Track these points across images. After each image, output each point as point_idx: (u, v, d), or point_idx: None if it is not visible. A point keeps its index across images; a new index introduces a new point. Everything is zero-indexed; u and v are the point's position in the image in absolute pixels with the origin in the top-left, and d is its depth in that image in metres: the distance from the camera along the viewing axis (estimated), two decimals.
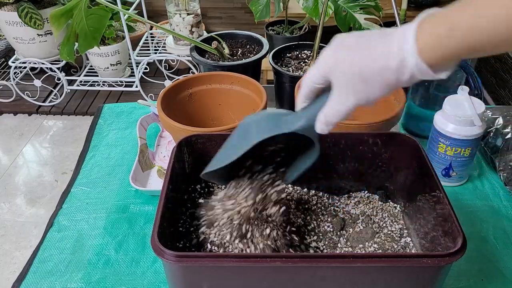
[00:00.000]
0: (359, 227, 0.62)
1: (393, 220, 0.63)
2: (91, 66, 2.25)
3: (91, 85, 2.24)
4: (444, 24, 0.37)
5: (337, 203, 0.67)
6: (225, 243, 0.55)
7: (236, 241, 0.54)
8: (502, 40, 0.35)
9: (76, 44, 0.98)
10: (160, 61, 2.28)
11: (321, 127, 0.47)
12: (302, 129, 0.49)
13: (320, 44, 0.91)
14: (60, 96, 2.20)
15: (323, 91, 0.47)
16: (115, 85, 2.22)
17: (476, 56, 0.38)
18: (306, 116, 0.49)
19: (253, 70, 0.93)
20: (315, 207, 0.66)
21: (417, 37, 0.38)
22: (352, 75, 0.42)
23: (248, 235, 0.55)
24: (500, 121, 0.82)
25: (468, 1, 0.36)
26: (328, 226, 0.62)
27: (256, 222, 0.56)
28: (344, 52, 0.43)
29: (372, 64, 0.41)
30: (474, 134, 0.71)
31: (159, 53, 2.17)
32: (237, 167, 0.56)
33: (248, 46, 1.01)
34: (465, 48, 0.37)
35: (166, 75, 2.21)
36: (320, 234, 0.61)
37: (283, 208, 0.57)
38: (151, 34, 2.36)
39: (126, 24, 1.91)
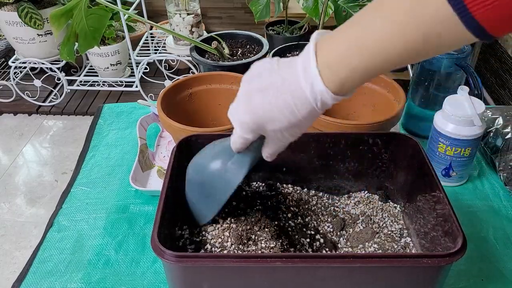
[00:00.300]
0: (359, 227, 0.62)
1: (393, 220, 0.63)
2: (91, 66, 2.25)
3: (91, 85, 2.24)
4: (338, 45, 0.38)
5: (337, 203, 0.67)
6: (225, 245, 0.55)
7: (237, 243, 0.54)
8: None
9: (76, 44, 0.98)
10: (160, 61, 2.28)
11: (269, 160, 0.51)
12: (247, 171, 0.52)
13: None
14: (60, 96, 2.20)
15: None
16: (115, 85, 2.22)
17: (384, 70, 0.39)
18: (249, 162, 0.51)
19: None
20: (315, 207, 0.66)
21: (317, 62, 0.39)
22: (281, 129, 0.43)
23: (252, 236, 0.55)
24: (500, 121, 0.82)
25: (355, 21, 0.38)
26: (328, 226, 0.62)
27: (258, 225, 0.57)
28: (259, 100, 0.42)
29: (295, 111, 0.41)
30: (474, 134, 0.71)
31: (159, 53, 2.17)
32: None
33: (248, 46, 1.01)
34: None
35: (166, 75, 2.21)
36: (320, 234, 0.61)
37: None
38: (151, 34, 2.36)
39: (126, 24, 1.91)
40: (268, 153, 0.49)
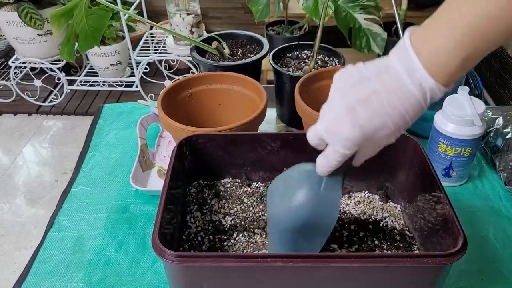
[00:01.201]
0: (360, 227, 0.62)
1: (394, 220, 0.63)
2: (91, 66, 2.25)
3: (91, 85, 2.24)
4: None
5: None
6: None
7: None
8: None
9: (76, 44, 0.98)
10: (160, 61, 2.28)
11: (358, 165, 0.49)
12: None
13: (320, 44, 0.91)
14: (60, 96, 2.20)
15: None
16: (115, 85, 2.22)
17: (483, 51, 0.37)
18: (342, 179, 0.49)
19: (253, 70, 0.93)
20: None
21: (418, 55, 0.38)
22: (388, 135, 0.42)
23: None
24: (500, 121, 0.82)
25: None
26: None
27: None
28: (364, 112, 0.41)
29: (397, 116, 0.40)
30: (474, 134, 0.71)
31: (159, 53, 2.17)
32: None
33: (248, 46, 1.01)
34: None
35: (166, 75, 2.21)
36: None
37: None
38: (151, 34, 2.36)
39: (126, 24, 1.91)
40: (363, 159, 0.47)
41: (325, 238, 0.50)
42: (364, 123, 0.41)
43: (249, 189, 0.68)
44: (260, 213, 0.63)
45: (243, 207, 0.64)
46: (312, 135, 0.45)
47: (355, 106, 0.41)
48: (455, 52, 0.36)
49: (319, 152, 0.46)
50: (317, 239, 0.50)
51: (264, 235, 0.60)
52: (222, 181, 0.69)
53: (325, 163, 0.46)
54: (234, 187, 0.68)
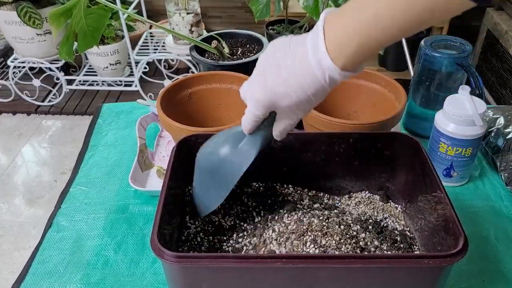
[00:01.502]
0: (360, 227, 0.62)
1: (394, 221, 0.63)
2: (90, 65, 2.24)
3: (90, 85, 2.24)
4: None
5: (337, 203, 0.67)
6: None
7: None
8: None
9: (75, 43, 0.98)
10: (159, 61, 2.28)
11: (279, 138, 0.52)
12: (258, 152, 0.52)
13: None
14: (59, 96, 2.20)
15: None
16: (114, 85, 2.22)
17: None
18: (260, 141, 0.52)
19: (253, 69, 0.92)
20: (315, 207, 0.65)
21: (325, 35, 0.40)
22: (291, 105, 0.45)
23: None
24: (501, 121, 0.82)
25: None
26: (328, 227, 0.62)
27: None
28: (272, 77, 0.44)
29: (303, 84, 0.42)
30: (475, 134, 0.70)
31: (159, 52, 2.17)
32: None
33: (248, 46, 1.00)
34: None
35: (166, 74, 2.21)
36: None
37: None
38: (150, 33, 2.36)
39: (126, 23, 1.91)
40: (278, 131, 0.50)
41: (229, 188, 0.54)
42: (270, 88, 0.44)
43: (249, 189, 0.67)
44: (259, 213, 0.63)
45: (243, 208, 0.64)
46: (241, 95, 0.50)
47: (266, 71, 0.45)
48: (352, 37, 0.39)
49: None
50: (223, 188, 0.55)
51: (264, 235, 0.59)
52: None
53: (244, 120, 0.50)
54: (233, 187, 0.68)
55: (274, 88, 0.44)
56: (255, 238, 0.59)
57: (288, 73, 0.43)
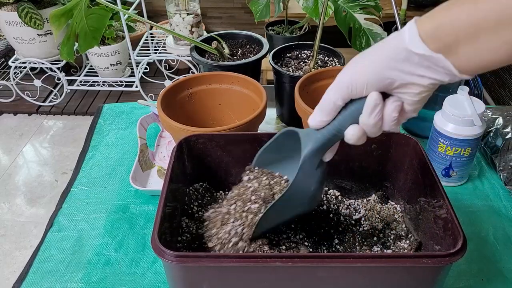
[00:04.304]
0: (359, 227, 0.62)
1: (393, 220, 0.63)
2: (91, 66, 2.25)
3: (91, 85, 2.24)
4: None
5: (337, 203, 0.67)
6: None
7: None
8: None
9: (76, 44, 0.98)
10: (160, 61, 2.28)
11: (351, 141, 0.46)
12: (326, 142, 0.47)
13: (320, 44, 0.91)
14: (60, 96, 2.20)
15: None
16: (115, 85, 2.22)
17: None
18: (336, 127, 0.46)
19: (253, 70, 0.93)
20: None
21: (417, 25, 0.39)
22: (372, 82, 0.41)
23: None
24: (500, 121, 0.82)
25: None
26: (328, 227, 0.62)
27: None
28: (359, 59, 0.42)
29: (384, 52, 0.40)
30: (474, 134, 0.71)
31: (159, 53, 2.17)
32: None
33: (248, 46, 1.01)
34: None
35: (166, 75, 2.21)
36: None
37: None
38: (151, 34, 2.36)
39: (126, 24, 1.91)
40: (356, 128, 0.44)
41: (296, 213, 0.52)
42: (355, 66, 0.42)
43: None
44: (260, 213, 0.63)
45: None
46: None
47: (357, 59, 0.42)
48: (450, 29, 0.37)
49: None
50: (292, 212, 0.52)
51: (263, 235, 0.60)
52: (222, 181, 0.69)
53: (318, 108, 0.45)
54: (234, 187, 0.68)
55: (359, 65, 0.41)
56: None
57: (374, 51, 0.41)
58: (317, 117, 0.45)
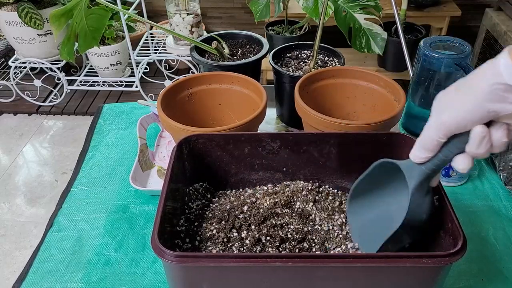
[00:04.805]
0: None
1: None
2: (91, 66, 2.25)
3: (91, 85, 2.24)
4: None
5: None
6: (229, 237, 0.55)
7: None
8: None
9: (76, 44, 0.98)
10: (160, 61, 2.28)
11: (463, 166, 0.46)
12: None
13: (320, 44, 0.91)
14: (60, 96, 2.20)
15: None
16: (115, 85, 2.22)
17: None
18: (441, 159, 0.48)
19: (253, 70, 0.93)
20: (314, 207, 0.65)
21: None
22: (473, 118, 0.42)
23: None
24: None
25: None
26: (328, 227, 0.62)
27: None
28: (455, 98, 0.43)
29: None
30: None
31: (159, 53, 2.17)
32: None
33: (248, 46, 1.01)
34: None
35: (166, 75, 2.21)
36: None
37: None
38: (151, 34, 2.36)
39: (126, 24, 1.91)
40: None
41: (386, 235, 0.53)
42: (457, 108, 0.42)
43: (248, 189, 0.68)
44: (260, 213, 0.63)
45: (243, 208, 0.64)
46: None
47: (453, 96, 0.43)
48: None
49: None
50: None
51: (263, 235, 0.60)
52: (222, 181, 0.69)
53: (419, 145, 0.47)
54: (233, 187, 0.68)
55: (458, 103, 0.42)
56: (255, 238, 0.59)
57: (469, 88, 0.41)
58: (421, 154, 0.48)
